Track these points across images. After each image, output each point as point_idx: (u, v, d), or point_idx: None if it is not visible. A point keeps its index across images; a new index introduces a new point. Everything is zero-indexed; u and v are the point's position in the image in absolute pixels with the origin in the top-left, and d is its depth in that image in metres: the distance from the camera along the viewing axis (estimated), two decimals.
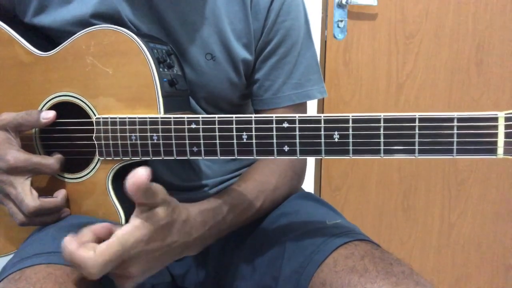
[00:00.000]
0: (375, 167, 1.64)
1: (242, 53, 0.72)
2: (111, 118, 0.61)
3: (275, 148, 0.55)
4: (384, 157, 0.52)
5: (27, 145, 0.65)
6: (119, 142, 0.61)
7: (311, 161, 1.56)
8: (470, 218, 1.70)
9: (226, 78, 0.73)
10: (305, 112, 0.82)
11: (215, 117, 0.56)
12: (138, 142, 0.60)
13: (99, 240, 0.50)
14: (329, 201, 0.80)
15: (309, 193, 0.82)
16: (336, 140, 0.53)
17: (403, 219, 1.69)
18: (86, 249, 0.47)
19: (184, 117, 0.57)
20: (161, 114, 0.60)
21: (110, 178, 0.63)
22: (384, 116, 0.51)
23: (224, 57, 0.72)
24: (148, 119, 0.59)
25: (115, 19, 0.66)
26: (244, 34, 0.72)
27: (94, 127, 0.62)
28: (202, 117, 0.57)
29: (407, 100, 1.60)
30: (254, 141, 0.56)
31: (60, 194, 0.64)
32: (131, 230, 0.50)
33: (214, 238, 0.64)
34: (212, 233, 0.62)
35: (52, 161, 0.62)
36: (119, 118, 0.60)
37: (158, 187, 0.51)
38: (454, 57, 1.57)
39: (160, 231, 0.53)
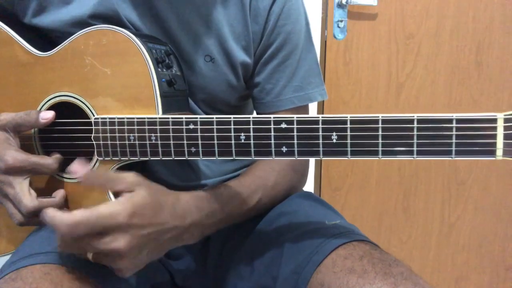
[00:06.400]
0: (375, 167, 1.64)
1: (241, 56, 0.72)
2: (109, 118, 0.61)
3: (273, 149, 0.55)
4: (383, 158, 0.52)
5: (26, 145, 0.65)
6: (118, 142, 0.60)
7: (311, 161, 1.56)
8: (470, 218, 1.70)
9: (225, 81, 0.73)
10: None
11: (213, 118, 0.56)
12: (137, 142, 0.60)
13: None
14: (329, 201, 0.80)
15: (308, 193, 0.82)
16: (334, 141, 0.53)
17: (403, 219, 1.68)
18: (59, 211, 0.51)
19: (182, 118, 0.57)
20: (159, 115, 0.60)
21: None
22: (382, 117, 0.51)
23: (223, 60, 0.72)
24: (146, 120, 0.59)
25: (113, 20, 0.66)
26: (243, 36, 0.72)
27: (93, 127, 0.62)
28: (200, 118, 0.57)
29: (407, 100, 1.60)
30: (252, 141, 0.56)
31: (59, 194, 0.64)
32: (109, 203, 0.53)
33: (213, 228, 0.64)
34: (210, 221, 0.62)
35: (51, 161, 0.62)
36: (118, 118, 0.60)
37: (124, 174, 0.55)
38: (454, 57, 1.57)
39: (146, 206, 0.54)
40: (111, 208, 0.51)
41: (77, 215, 0.49)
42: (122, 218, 0.51)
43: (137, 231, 0.53)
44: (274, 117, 0.54)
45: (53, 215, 0.51)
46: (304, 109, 0.79)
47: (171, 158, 0.59)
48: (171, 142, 0.58)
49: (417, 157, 0.51)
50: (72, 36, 0.63)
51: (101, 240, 0.51)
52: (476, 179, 1.66)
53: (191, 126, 0.57)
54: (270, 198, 0.73)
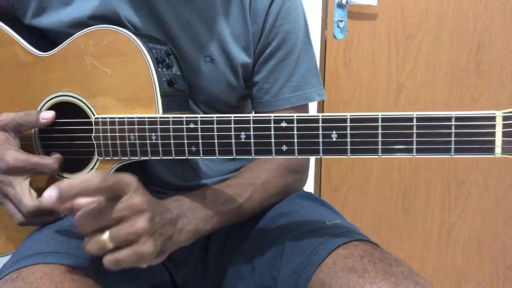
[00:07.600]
0: (375, 167, 1.64)
1: (241, 56, 0.72)
2: (109, 118, 0.61)
3: (273, 148, 0.55)
4: (382, 156, 0.52)
5: (26, 145, 0.65)
6: (118, 142, 0.61)
7: (311, 160, 1.56)
8: (470, 218, 1.70)
9: (225, 81, 0.73)
10: None
11: (213, 117, 0.56)
12: (137, 142, 0.60)
13: None
14: (329, 201, 0.80)
15: (308, 193, 0.82)
16: (334, 139, 0.53)
17: (403, 219, 1.68)
18: None
19: (182, 117, 0.57)
20: (159, 114, 0.60)
21: None
22: (382, 115, 0.51)
23: (223, 60, 0.72)
24: (146, 119, 0.59)
25: (113, 20, 0.66)
26: (243, 37, 0.72)
27: (93, 127, 0.62)
28: (201, 117, 0.57)
29: (407, 100, 1.60)
30: (252, 140, 0.56)
31: None
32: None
33: (204, 225, 0.63)
34: (195, 215, 0.62)
35: (51, 161, 0.62)
36: (118, 118, 0.60)
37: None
38: (454, 57, 1.57)
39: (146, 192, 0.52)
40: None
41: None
42: (133, 182, 0.49)
43: (151, 203, 0.51)
44: (274, 116, 0.55)
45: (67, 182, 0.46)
46: (303, 108, 0.79)
47: (171, 158, 0.59)
48: (172, 141, 0.58)
49: (416, 155, 0.51)
50: (73, 36, 0.63)
51: (119, 202, 0.48)
52: (476, 179, 1.66)
53: (192, 126, 0.57)
54: (263, 196, 0.72)
